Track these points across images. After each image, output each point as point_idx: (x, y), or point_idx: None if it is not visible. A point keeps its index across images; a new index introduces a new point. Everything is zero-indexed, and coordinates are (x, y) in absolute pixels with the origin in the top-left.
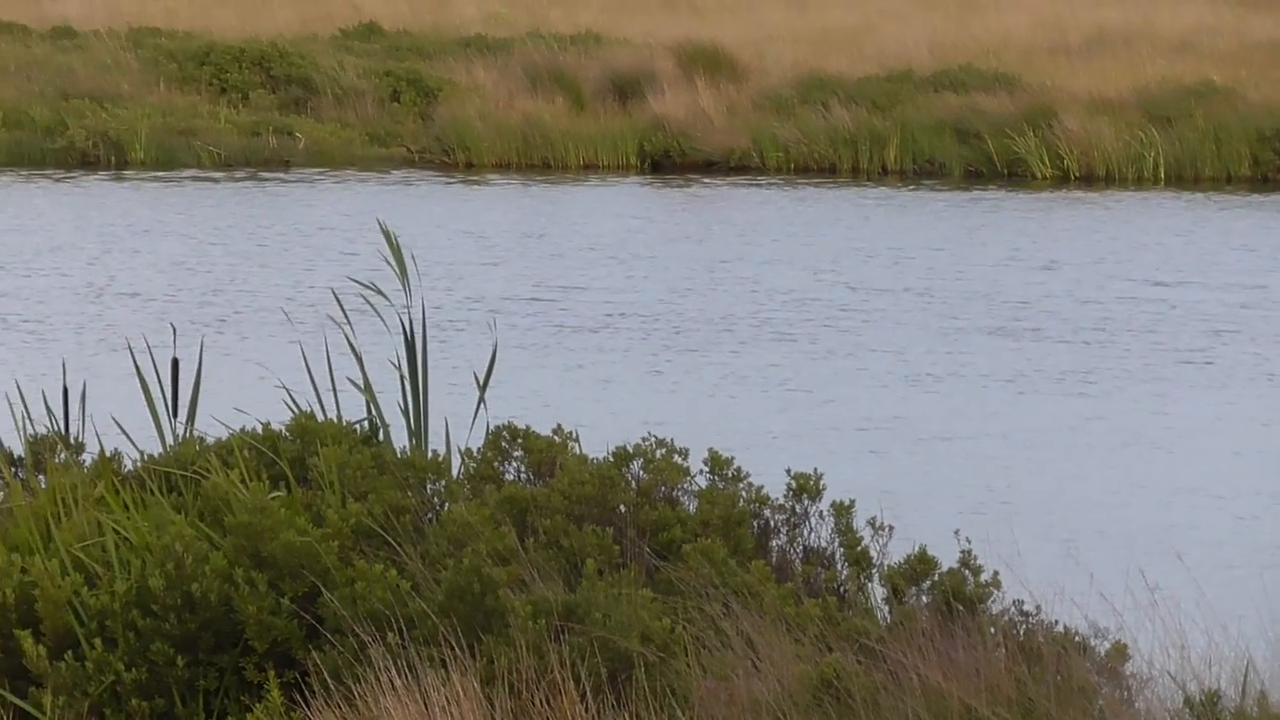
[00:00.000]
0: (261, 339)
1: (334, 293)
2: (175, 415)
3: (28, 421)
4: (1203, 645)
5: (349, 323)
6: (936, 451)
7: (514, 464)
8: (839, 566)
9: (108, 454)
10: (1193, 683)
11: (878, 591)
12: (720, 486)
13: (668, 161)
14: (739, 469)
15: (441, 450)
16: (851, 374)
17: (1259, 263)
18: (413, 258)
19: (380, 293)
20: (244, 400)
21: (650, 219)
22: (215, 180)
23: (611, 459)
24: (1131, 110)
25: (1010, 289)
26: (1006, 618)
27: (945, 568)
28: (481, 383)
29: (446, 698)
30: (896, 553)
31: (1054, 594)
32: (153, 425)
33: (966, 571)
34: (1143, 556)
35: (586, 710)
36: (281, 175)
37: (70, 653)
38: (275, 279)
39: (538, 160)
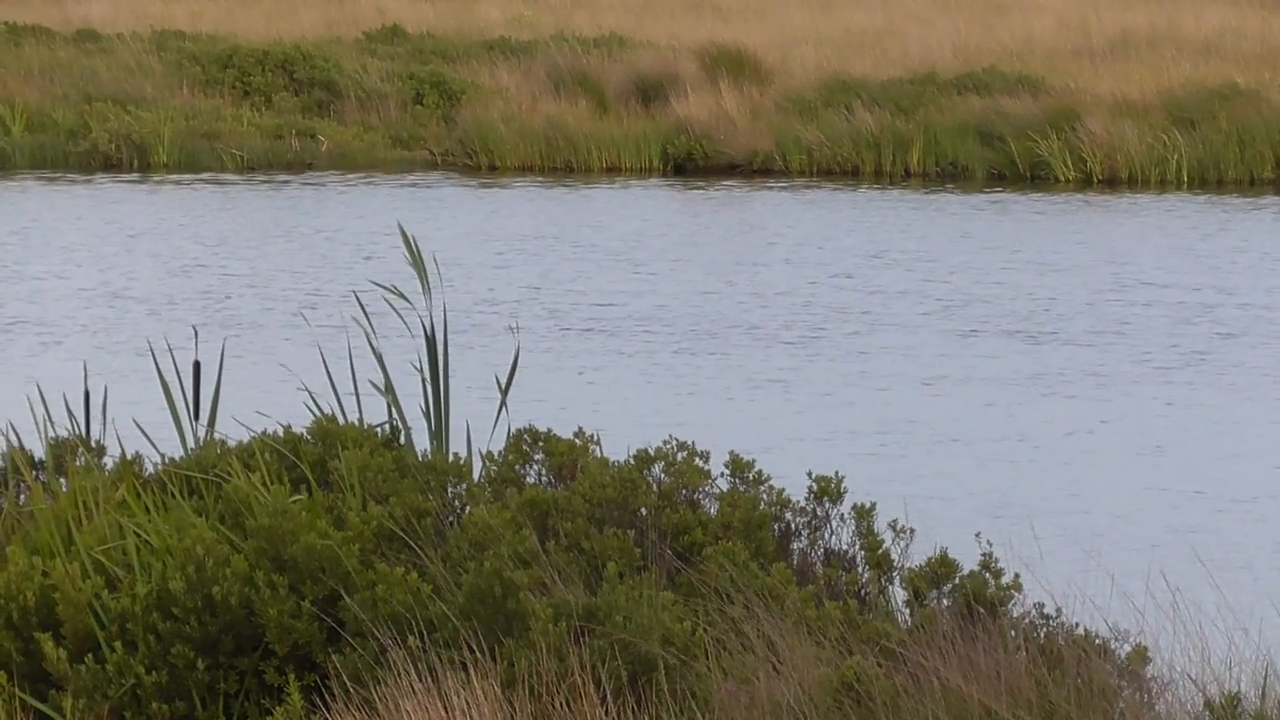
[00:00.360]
0: (282, 342)
1: (355, 295)
2: (196, 418)
3: (49, 424)
4: (1223, 648)
5: (370, 325)
6: (953, 454)
7: (535, 467)
8: (860, 569)
9: (129, 457)
10: (1213, 685)
11: (899, 594)
12: (741, 489)
13: (691, 164)
14: (760, 472)
15: (463, 453)
16: (864, 377)
17: (1264, 263)
18: (435, 260)
19: (401, 295)
20: (265, 403)
21: (663, 222)
22: (237, 183)
23: (632, 462)
24: (1155, 112)
25: (1022, 291)
26: (1027, 620)
27: (966, 570)
28: (503, 386)
29: (467, 701)
30: (917, 555)
31: (1075, 597)
32: (174, 428)
33: (987, 574)
34: (1163, 559)
35: (607, 713)
36: (304, 178)
37: (91, 655)
38: (295, 282)
39: (561, 163)
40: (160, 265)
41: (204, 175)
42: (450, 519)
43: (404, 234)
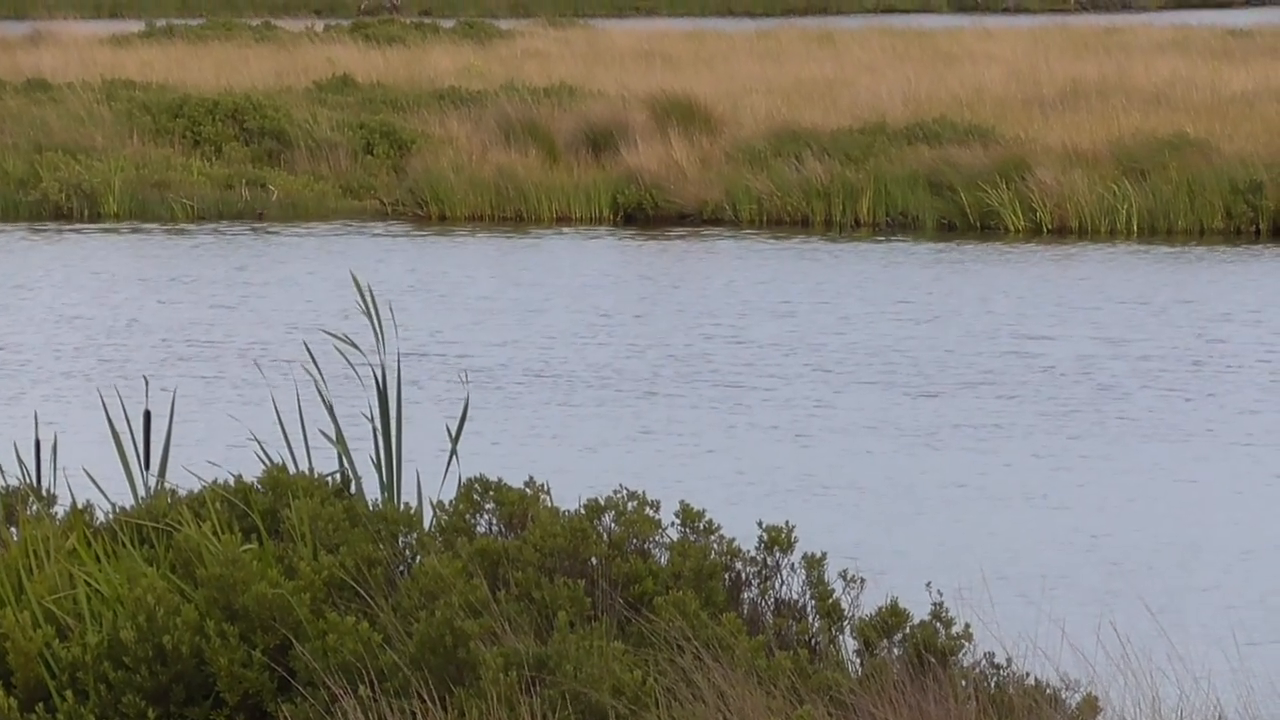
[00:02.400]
0: (234, 391)
1: (306, 345)
2: (147, 467)
3: None
4: (1174, 697)
5: (321, 375)
6: (896, 506)
7: (486, 516)
8: (810, 619)
9: (79, 506)
10: None
11: (849, 644)
12: (692, 539)
13: (641, 214)
14: (710, 521)
15: (413, 502)
16: (780, 427)
17: (1147, 314)
18: (390, 308)
19: (354, 344)
20: (216, 453)
21: (601, 273)
22: (187, 232)
23: (583, 511)
24: (1105, 162)
25: (943, 343)
26: (978, 670)
27: (916, 620)
28: (453, 435)
29: None
30: (868, 605)
31: (1026, 646)
32: (124, 477)
33: (938, 624)
34: (1114, 609)
35: None
36: (254, 227)
37: (42, 705)
38: (247, 331)
39: (511, 213)
40: (116, 314)
41: (157, 225)
42: (401, 568)
43: (357, 283)
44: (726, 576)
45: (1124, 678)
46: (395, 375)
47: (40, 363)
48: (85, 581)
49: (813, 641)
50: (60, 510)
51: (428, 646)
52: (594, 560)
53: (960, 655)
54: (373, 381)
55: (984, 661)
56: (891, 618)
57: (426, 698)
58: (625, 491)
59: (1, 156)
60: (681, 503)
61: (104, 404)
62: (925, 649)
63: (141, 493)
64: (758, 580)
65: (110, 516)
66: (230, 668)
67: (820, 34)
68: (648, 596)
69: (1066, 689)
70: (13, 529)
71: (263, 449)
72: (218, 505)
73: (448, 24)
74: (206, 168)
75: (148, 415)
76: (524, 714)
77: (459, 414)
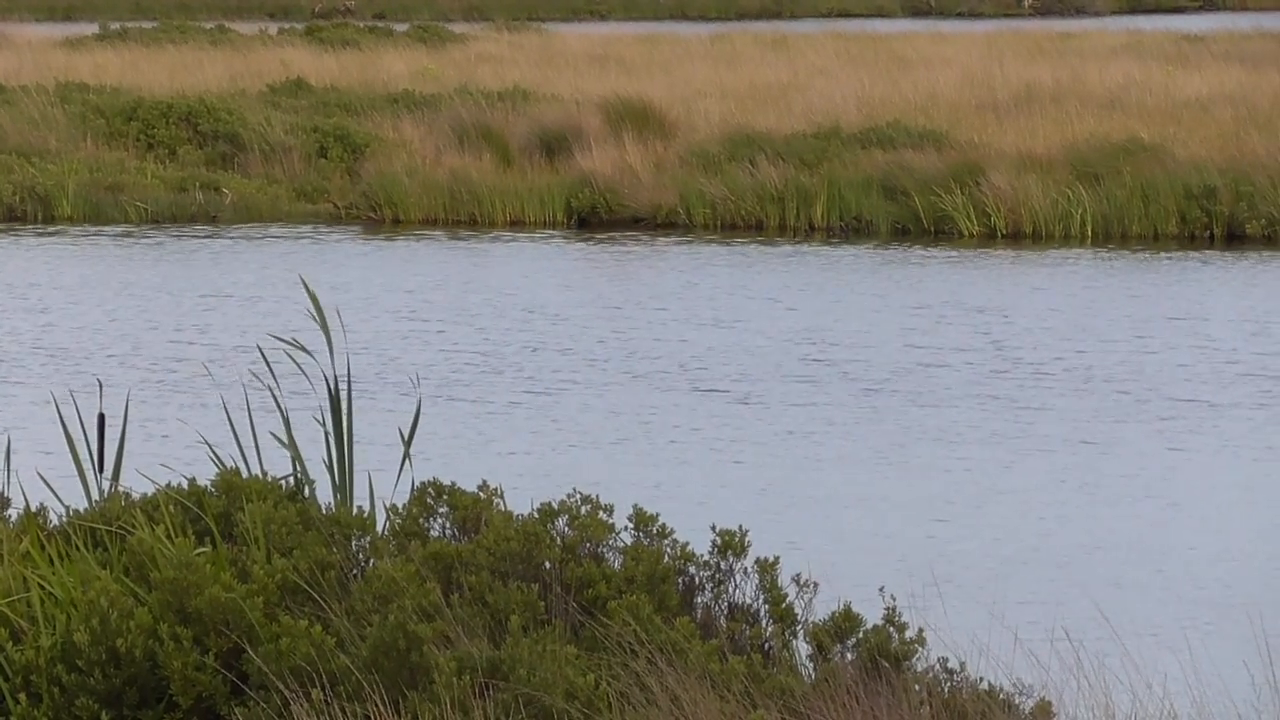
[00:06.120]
0: (186, 395)
1: (260, 349)
2: (101, 471)
3: None
4: (1127, 703)
5: (274, 379)
6: (862, 513)
7: (439, 520)
8: (764, 623)
9: (33, 509)
10: None
11: (803, 648)
12: (645, 543)
13: (595, 218)
14: (664, 525)
15: (366, 506)
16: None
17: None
18: (338, 313)
19: (304, 349)
20: (170, 456)
21: (548, 278)
22: (141, 236)
23: (536, 515)
24: (1060, 167)
25: (886, 351)
26: (931, 675)
27: (869, 625)
28: (406, 439)
29: None
30: (821, 610)
31: (979, 651)
32: (78, 480)
33: (891, 628)
34: (1067, 615)
35: None
36: (207, 231)
37: None
38: (199, 335)
39: (465, 216)
40: (67, 317)
41: (111, 228)
42: (354, 572)
43: (307, 288)
44: (680, 581)
45: (1077, 683)
46: (346, 379)
47: None
48: (39, 584)
49: (766, 646)
50: (14, 513)
51: (381, 650)
52: (547, 564)
53: (913, 660)
54: (324, 385)
55: (937, 666)
56: (845, 622)
57: (379, 701)
58: (579, 495)
59: None
60: (635, 507)
61: (57, 407)
62: (879, 654)
63: (95, 496)
64: (711, 585)
65: (64, 519)
66: (183, 671)
67: (774, 38)
68: (601, 600)
69: (1019, 694)
70: None
71: (214, 452)
72: (171, 508)
73: (401, 27)
74: (160, 171)
75: (101, 418)
76: (477, 718)
77: (410, 417)
